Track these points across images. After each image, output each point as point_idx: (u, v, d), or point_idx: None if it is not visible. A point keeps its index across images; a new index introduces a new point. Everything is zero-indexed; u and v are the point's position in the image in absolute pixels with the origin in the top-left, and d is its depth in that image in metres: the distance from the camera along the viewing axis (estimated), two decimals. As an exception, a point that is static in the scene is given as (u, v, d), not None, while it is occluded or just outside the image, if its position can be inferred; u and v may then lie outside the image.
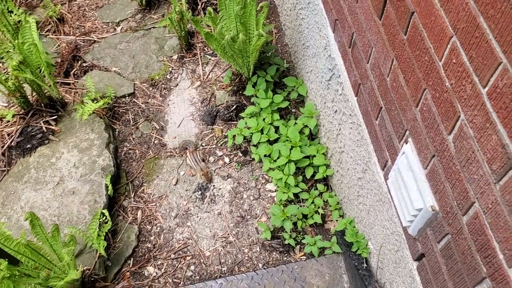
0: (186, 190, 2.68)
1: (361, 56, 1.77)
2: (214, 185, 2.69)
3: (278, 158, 2.55)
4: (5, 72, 2.68)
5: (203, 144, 2.85)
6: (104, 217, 2.38)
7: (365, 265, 2.14)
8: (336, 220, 2.47)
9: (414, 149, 1.43)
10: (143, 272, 2.43)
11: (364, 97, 1.81)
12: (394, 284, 1.86)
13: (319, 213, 2.47)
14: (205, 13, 3.25)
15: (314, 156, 2.55)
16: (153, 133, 2.93)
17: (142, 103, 3.06)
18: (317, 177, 2.53)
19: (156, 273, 2.42)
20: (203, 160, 2.75)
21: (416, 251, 1.55)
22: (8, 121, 2.84)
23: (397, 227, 1.68)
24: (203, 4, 3.39)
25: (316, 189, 2.56)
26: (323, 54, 2.29)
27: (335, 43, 2.10)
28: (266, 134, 2.64)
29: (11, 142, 2.77)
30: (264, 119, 2.68)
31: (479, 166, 1.08)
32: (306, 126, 2.62)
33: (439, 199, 1.32)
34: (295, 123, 2.65)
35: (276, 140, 2.66)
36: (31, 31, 2.62)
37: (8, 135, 2.80)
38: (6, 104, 3.00)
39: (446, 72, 1.16)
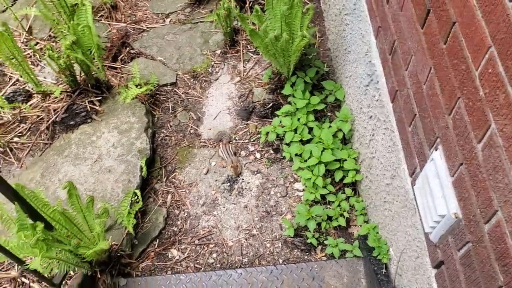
0: (216, 181, 2.76)
1: (401, 63, 1.79)
2: (243, 179, 2.75)
3: (309, 158, 2.58)
4: (57, 51, 2.82)
5: (236, 138, 2.92)
6: (136, 196, 2.47)
7: (384, 270, 2.15)
8: (360, 225, 2.49)
9: (443, 156, 1.45)
10: (167, 254, 2.51)
11: (399, 104, 1.83)
12: (411, 292, 1.87)
13: (344, 217, 2.49)
14: (251, 11, 3.32)
15: (345, 160, 2.57)
16: (190, 123, 3.02)
17: (182, 93, 3.16)
18: (345, 181, 2.55)
19: (179, 256, 2.50)
20: (235, 154, 2.82)
21: (436, 258, 1.57)
22: (56, 97, 2.99)
23: (420, 234, 1.70)
24: (251, 3, 3.47)
25: (344, 192, 2.58)
26: (364, 60, 2.32)
27: (376, 50, 2.13)
28: (300, 133, 2.68)
29: (56, 118, 2.92)
30: (299, 119, 2.73)
31: (505, 174, 1.10)
32: (340, 130, 2.65)
33: (463, 207, 1.34)
34: (330, 126, 2.68)
35: (308, 141, 2.70)
36: (87, 14, 2.75)
37: (54, 110, 2.95)
38: (55, 82, 3.16)
39: (481, 81, 1.18)
